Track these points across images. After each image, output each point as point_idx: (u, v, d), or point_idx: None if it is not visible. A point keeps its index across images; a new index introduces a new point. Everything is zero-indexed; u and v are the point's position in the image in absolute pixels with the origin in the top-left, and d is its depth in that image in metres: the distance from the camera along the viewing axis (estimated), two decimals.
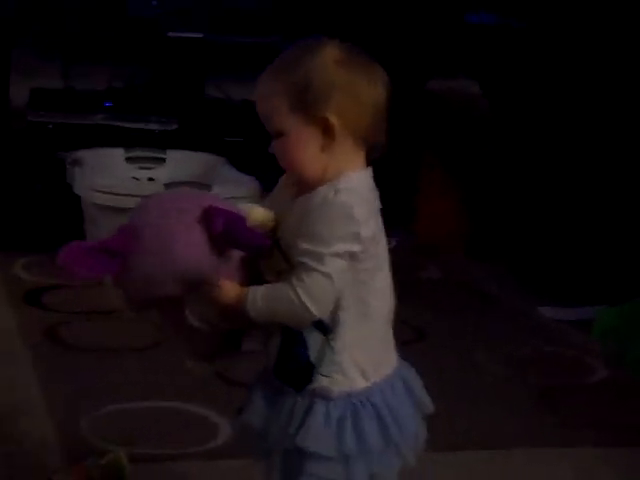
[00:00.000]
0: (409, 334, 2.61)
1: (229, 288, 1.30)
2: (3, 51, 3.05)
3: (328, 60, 1.32)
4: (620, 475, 2.01)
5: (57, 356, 2.34)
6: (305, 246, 1.29)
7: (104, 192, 2.79)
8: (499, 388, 2.37)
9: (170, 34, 3.24)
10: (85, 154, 2.98)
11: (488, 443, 2.08)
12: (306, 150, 1.32)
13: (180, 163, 3.12)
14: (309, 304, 1.28)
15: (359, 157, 1.35)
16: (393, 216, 3.33)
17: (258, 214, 1.34)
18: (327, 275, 1.28)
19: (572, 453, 2.08)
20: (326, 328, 1.32)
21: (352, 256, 1.30)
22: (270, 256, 1.34)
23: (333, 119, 1.30)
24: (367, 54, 1.37)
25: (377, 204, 1.37)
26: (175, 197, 1.37)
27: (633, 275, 2.66)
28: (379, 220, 1.36)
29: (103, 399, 2.11)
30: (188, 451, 1.95)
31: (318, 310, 1.29)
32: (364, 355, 1.34)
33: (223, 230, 1.28)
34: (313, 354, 1.32)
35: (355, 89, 1.32)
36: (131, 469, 1.78)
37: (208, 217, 1.28)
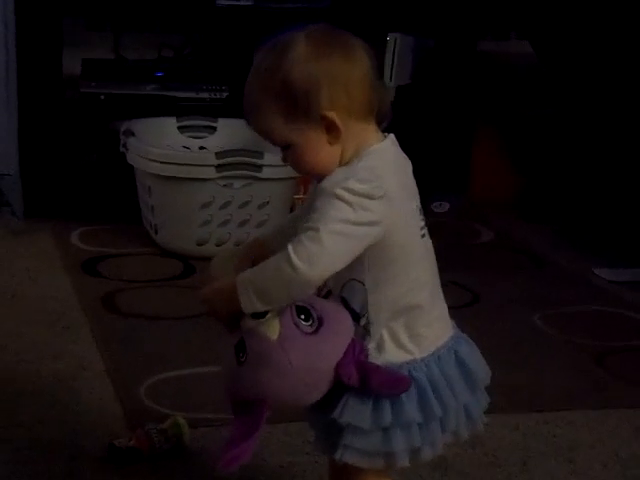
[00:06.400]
0: (463, 297, 2.61)
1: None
2: (55, 21, 3.07)
3: (301, 58, 1.27)
4: None
5: (114, 323, 2.38)
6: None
7: (158, 161, 2.81)
8: (555, 350, 2.36)
9: (219, 2, 3.23)
10: (138, 124, 3.00)
11: (544, 405, 2.08)
12: (318, 152, 1.29)
13: (231, 131, 3.12)
14: (295, 261, 1.22)
15: (370, 131, 1.32)
16: (446, 180, 3.34)
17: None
18: (316, 230, 1.22)
19: (632, 414, 2.07)
20: (357, 314, 1.30)
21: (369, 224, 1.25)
22: None
23: (330, 114, 1.27)
24: (335, 29, 1.31)
25: (407, 169, 1.34)
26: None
27: None
28: (407, 189, 1.32)
29: (159, 365, 2.13)
30: None
31: (307, 268, 1.22)
32: (404, 332, 1.31)
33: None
34: None
35: (338, 75, 1.27)
36: (191, 433, 1.81)
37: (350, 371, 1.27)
